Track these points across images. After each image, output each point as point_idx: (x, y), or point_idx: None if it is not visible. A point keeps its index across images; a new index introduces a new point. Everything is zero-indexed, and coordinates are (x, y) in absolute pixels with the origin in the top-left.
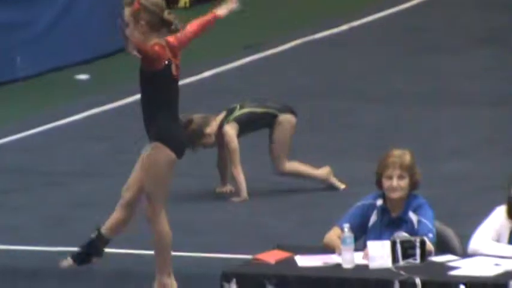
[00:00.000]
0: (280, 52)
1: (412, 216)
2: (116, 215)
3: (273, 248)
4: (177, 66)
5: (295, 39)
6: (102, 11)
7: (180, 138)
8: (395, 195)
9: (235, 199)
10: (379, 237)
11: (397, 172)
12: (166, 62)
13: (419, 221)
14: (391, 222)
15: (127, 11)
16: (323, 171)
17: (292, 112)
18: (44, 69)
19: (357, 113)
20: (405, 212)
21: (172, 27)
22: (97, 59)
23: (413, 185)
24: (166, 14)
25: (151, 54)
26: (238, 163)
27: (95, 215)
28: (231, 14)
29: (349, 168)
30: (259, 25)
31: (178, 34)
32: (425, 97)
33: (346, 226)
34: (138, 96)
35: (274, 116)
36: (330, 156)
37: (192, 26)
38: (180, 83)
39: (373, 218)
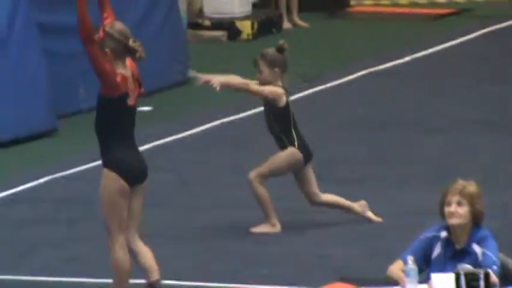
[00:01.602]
0: (342, 83)
1: (476, 248)
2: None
3: (336, 280)
4: (137, 96)
5: (357, 71)
6: (163, 42)
7: (132, 165)
8: (453, 221)
9: None
10: (443, 269)
11: (456, 198)
12: (123, 93)
13: (483, 253)
14: (455, 254)
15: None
16: (360, 205)
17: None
18: None
19: (418, 143)
20: (469, 244)
21: (137, 55)
22: (160, 91)
23: (475, 216)
24: (131, 42)
25: (108, 72)
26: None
27: (160, 246)
28: (291, 48)
29: (411, 198)
30: (322, 58)
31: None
32: (487, 126)
33: (410, 258)
34: (201, 128)
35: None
36: (390, 187)
37: None
38: (243, 114)
39: (437, 250)
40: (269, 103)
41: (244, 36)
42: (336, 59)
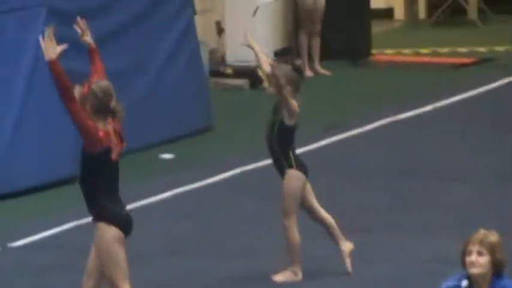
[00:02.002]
0: (364, 132)
1: None
2: None
3: None
4: (119, 151)
5: (379, 119)
6: (187, 90)
7: (124, 216)
8: (474, 270)
9: None
10: None
11: (476, 248)
12: (106, 148)
13: None
14: None
15: (76, 92)
16: (347, 245)
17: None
18: (128, 147)
19: (441, 191)
20: None
21: (118, 115)
22: (181, 138)
23: (496, 265)
24: (114, 103)
25: (90, 129)
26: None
27: None
28: (313, 96)
29: (433, 247)
30: (344, 106)
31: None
32: (509, 176)
33: None
34: (222, 176)
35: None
36: (413, 235)
37: None
38: (263, 162)
39: None
40: (280, 115)
41: (266, 84)
42: (358, 107)
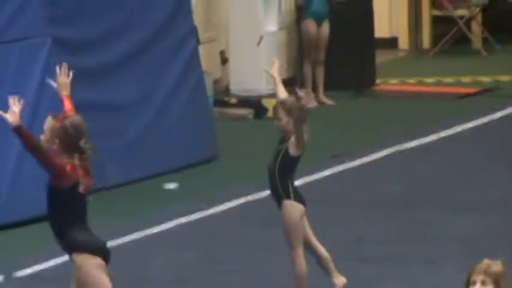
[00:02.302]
0: (369, 162)
1: None
2: None
3: None
4: (87, 184)
5: (384, 148)
6: (191, 120)
7: (100, 244)
8: None
9: None
10: None
11: (480, 277)
12: (74, 182)
13: None
14: None
15: (47, 122)
16: (341, 279)
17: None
18: (132, 178)
19: (447, 222)
20: None
21: (84, 156)
22: (186, 168)
23: None
24: (83, 143)
25: (58, 169)
26: None
27: None
28: (318, 126)
29: (440, 278)
30: (349, 136)
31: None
32: None
33: None
34: (228, 205)
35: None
36: (419, 266)
37: None
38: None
39: None
40: (286, 144)
41: (270, 114)
42: (362, 137)
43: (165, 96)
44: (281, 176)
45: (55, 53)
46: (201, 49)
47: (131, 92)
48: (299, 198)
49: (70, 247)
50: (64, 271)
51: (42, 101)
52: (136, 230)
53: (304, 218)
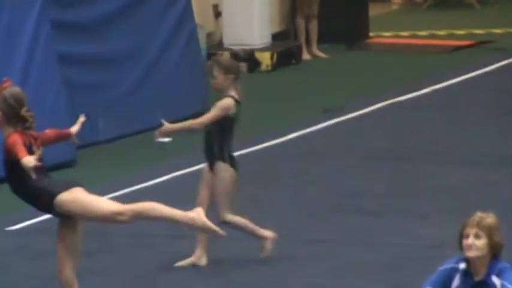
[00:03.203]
0: (362, 115)
1: (495, 280)
2: None
3: None
4: (39, 144)
5: (377, 102)
6: (184, 73)
7: (64, 180)
8: (471, 253)
9: None
10: None
11: (473, 230)
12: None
13: (502, 285)
14: (474, 286)
15: None
16: (269, 233)
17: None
18: (126, 132)
19: (439, 175)
20: (488, 276)
21: (27, 124)
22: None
23: (493, 248)
24: (24, 111)
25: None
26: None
27: (183, 278)
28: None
29: (432, 230)
30: (342, 89)
31: (37, 133)
32: (507, 159)
33: None
34: None
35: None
36: (412, 219)
37: (50, 133)
38: (265, 144)
39: (456, 282)
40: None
41: (263, 67)
42: (355, 90)
43: (158, 49)
44: (218, 137)
45: (47, 7)
46: (194, 2)
47: (123, 46)
48: (233, 163)
49: (46, 203)
50: (53, 226)
51: (34, 56)
52: (130, 185)
53: (235, 185)
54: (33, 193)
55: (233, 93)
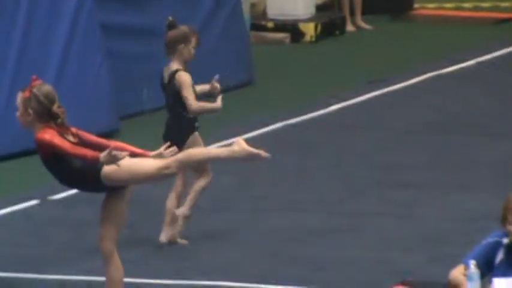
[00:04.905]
0: (406, 87)
1: None
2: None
3: (398, 284)
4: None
5: (421, 74)
6: (228, 44)
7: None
8: None
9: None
10: (505, 274)
11: None
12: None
13: None
14: None
15: (18, 97)
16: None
17: None
18: None
19: (483, 147)
20: None
21: (59, 120)
22: (223, 92)
23: None
24: (56, 108)
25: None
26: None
27: (226, 250)
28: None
29: (475, 203)
30: (386, 60)
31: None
32: None
33: (472, 262)
34: (264, 130)
35: None
36: (454, 191)
37: (91, 138)
38: (305, 116)
39: (500, 256)
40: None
41: (307, 38)
42: (399, 62)
43: (202, 19)
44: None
45: None
46: None
47: (168, 15)
48: None
49: (93, 181)
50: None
51: (77, 27)
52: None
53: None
54: (79, 176)
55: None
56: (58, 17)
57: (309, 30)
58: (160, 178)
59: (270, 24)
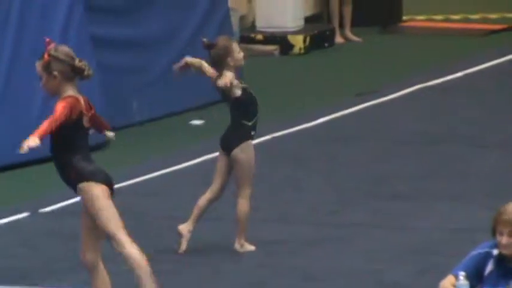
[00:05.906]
0: (395, 98)
1: None
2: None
3: None
4: (90, 118)
5: (410, 85)
6: None
7: (102, 171)
8: (505, 251)
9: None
10: (494, 286)
11: (507, 230)
12: (79, 113)
13: None
14: (507, 272)
15: (38, 66)
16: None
17: None
18: (159, 114)
19: (472, 158)
20: None
21: (85, 73)
22: (211, 104)
23: None
24: (78, 62)
25: (62, 118)
26: None
27: (218, 260)
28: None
29: (464, 214)
30: (375, 72)
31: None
32: None
33: (462, 274)
34: (259, 140)
35: None
36: (444, 202)
37: (99, 117)
38: (295, 128)
39: (490, 267)
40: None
41: (296, 50)
42: (388, 74)
43: (191, 33)
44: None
45: None
46: None
47: (157, 28)
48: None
49: (76, 178)
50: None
51: (67, 39)
52: (162, 167)
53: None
54: (68, 164)
55: None
56: (48, 30)
57: (298, 42)
58: (107, 238)
59: (259, 37)
